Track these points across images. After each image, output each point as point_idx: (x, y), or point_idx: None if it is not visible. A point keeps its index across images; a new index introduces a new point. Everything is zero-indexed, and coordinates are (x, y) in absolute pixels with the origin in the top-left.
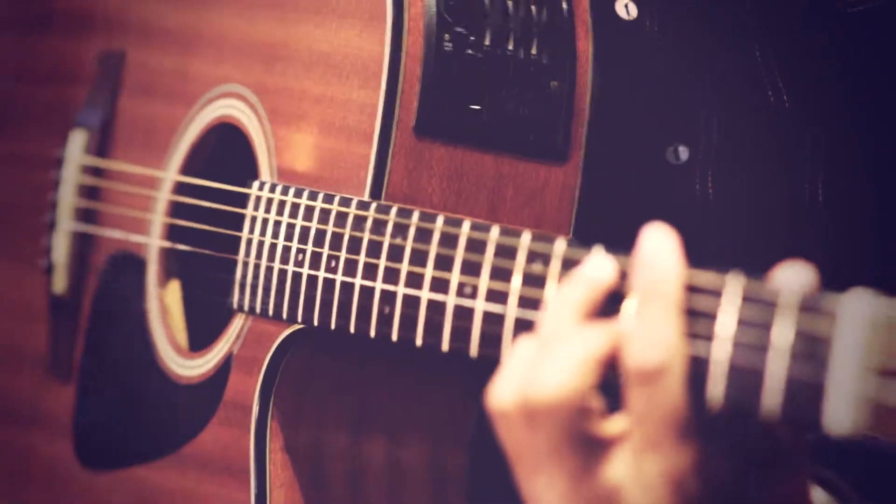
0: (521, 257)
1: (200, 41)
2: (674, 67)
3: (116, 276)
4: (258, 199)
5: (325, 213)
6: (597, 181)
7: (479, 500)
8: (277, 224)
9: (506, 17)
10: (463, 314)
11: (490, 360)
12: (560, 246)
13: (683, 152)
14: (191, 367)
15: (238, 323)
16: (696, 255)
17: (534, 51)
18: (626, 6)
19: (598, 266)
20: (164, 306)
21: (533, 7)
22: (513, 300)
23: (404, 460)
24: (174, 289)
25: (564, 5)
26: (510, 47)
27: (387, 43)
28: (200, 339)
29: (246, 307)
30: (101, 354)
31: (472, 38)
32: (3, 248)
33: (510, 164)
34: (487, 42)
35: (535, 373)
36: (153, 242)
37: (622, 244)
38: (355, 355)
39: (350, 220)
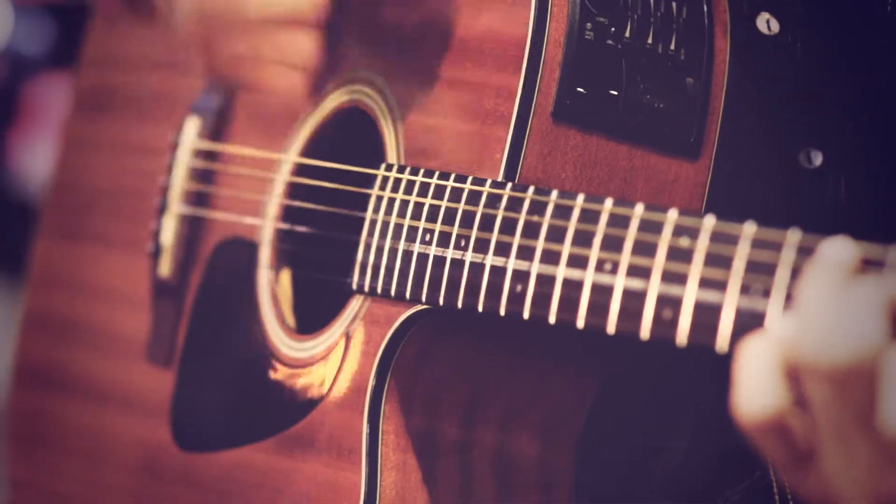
0: (668, 231)
1: (335, 29)
2: (812, 77)
3: (226, 259)
4: (385, 179)
5: (456, 192)
6: (727, 180)
7: (583, 497)
8: (405, 204)
9: (647, 11)
10: (601, 290)
11: (625, 337)
12: (710, 220)
13: (816, 157)
14: (302, 350)
15: (355, 304)
16: None
17: (672, 46)
18: (768, 21)
19: (841, 248)
20: (275, 289)
21: (674, 4)
22: (656, 276)
23: (514, 453)
24: (285, 271)
25: (704, 4)
26: (649, 41)
27: (530, 27)
28: (308, 321)
29: (367, 288)
30: (206, 338)
31: (614, 28)
32: (106, 233)
33: (643, 157)
34: (628, 34)
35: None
36: (268, 224)
37: None
38: (473, 343)
39: (484, 198)
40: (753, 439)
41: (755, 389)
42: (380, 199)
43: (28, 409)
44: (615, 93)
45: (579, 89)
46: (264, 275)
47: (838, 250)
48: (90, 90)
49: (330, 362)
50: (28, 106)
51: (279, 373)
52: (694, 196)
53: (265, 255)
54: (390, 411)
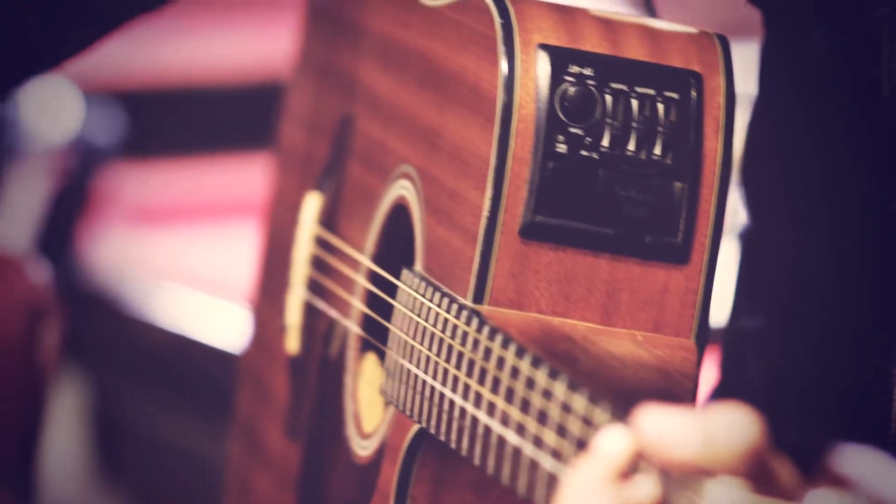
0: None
1: (396, 115)
2: None
3: (331, 347)
4: (403, 292)
5: (434, 315)
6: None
7: None
8: (410, 321)
9: (628, 117)
10: (502, 442)
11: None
12: (560, 388)
13: None
14: (363, 448)
15: (392, 409)
16: None
17: (657, 151)
18: None
19: (614, 441)
20: (356, 385)
21: (659, 106)
22: (528, 440)
23: None
24: (372, 366)
25: (693, 104)
26: (630, 147)
27: (494, 145)
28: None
29: (388, 398)
30: (316, 423)
31: (589, 139)
32: (271, 292)
33: (625, 268)
34: (606, 143)
35: None
36: (352, 326)
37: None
38: None
39: (449, 328)
40: None
41: None
42: (399, 312)
43: (237, 463)
44: (590, 205)
45: (549, 206)
46: (350, 368)
47: (609, 445)
48: (281, 145)
49: (375, 465)
50: (99, 196)
51: (351, 468)
52: (686, 304)
53: (352, 348)
54: None
